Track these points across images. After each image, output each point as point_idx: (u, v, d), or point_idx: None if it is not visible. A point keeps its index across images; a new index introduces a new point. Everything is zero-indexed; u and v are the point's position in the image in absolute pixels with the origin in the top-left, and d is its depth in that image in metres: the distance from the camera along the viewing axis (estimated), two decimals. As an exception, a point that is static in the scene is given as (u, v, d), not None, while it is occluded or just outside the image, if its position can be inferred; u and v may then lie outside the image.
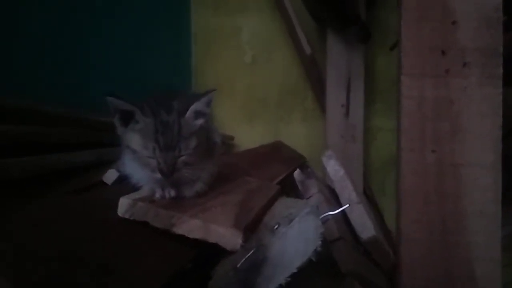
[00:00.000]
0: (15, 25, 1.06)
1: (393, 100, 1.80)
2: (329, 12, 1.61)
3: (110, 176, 0.94)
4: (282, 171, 1.44)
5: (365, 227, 0.67)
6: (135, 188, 0.74)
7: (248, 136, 2.02)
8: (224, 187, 0.84)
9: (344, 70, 1.75)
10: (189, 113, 0.69)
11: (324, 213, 0.62)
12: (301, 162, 1.90)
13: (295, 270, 0.45)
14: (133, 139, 0.68)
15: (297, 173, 0.74)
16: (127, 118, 0.68)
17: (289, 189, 1.19)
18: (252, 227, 0.68)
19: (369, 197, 1.81)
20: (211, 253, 0.67)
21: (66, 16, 1.25)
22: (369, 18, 1.72)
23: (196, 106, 0.70)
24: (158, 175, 0.67)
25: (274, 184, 0.96)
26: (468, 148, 0.75)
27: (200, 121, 0.71)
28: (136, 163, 0.70)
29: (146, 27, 1.72)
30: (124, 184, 0.82)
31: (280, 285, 0.44)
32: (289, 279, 0.44)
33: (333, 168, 0.74)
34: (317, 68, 1.88)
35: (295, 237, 0.54)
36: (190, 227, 0.63)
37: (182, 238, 0.65)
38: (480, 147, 0.75)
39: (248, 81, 2.05)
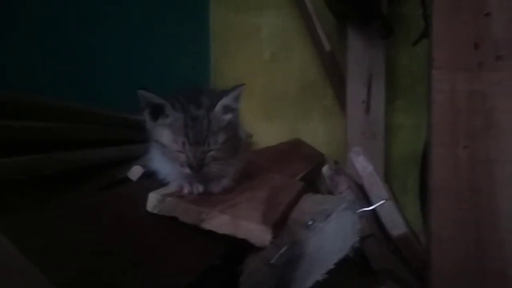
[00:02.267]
0: (41, 25, 1.07)
1: (415, 96, 1.80)
2: (351, 7, 1.59)
3: (135, 172, 0.94)
4: (301, 169, 1.42)
5: (396, 224, 0.66)
6: (162, 184, 0.74)
7: (267, 133, 2.01)
8: (249, 183, 0.83)
9: (365, 66, 1.72)
10: (218, 108, 0.69)
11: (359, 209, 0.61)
12: (320, 160, 1.88)
13: (332, 266, 0.44)
14: (163, 133, 0.68)
15: (325, 169, 0.73)
16: (157, 113, 0.68)
17: (309, 187, 1.18)
18: (280, 223, 0.67)
19: (390, 195, 1.79)
20: (237, 249, 0.67)
21: (87, 15, 1.26)
22: (390, 13, 1.69)
23: (225, 100, 0.69)
24: (187, 170, 0.67)
25: (298, 180, 0.95)
26: (502, 144, 0.73)
27: (228, 116, 0.70)
28: (165, 158, 0.70)
29: (165, 24, 1.73)
30: (150, 180, 0.82)
31: (317, 281, 0.43)
32: (326, 275, 0.43)
33: (362, 164, 0.72)
34: (336, 65, 1.86)
35: (333, 232, 0.53)
36: (219, 222, 0.62)
37: (210, 234, 0.65)
38: (514, 143, 0.72)
39: (266, 78, 2.04)
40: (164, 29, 1.72)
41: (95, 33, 1.30)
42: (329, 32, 1.83)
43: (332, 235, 0.52)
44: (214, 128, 0.67)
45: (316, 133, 1.99)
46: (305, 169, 1.45)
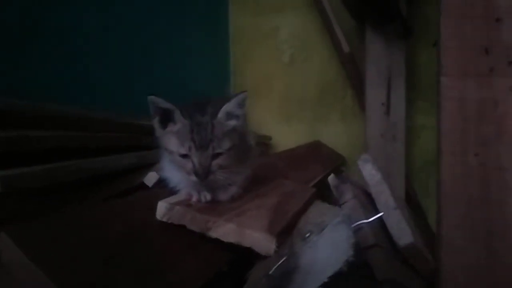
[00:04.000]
0: (59, 35, 1.11)
1: (436, 97, 1.75)
2: (369, 8, 1.58)
3: (151, 178, 0.97)
4: (319, 172, 1.42)
5: (403, 234, 0.65)
6: (173, 192, 0.76)
7: (286, 136, 2.02)
8: (260, 189, 0.85)
9: (384, 67, 1.70)
10: (221, 114, 0.71)
11: (359, 219, 0.62)
12: (340, 163, 1.87)
13: (326, 280, 0.44)
14: (171, 140, 0.70)
15: (331, 178, 0.74)
16: (166, 120, 0.71)
17: (328, 190, 1.18)
18: (286, 232, 0.68)
19: (411, 198, 1.76)
20: (246, 256, 0.68)
21: (106, 20, 1.30)
22: (410, 13, 1.66)
23: (227, 107, 0.72)
24: (194, 178, 0.69)
25: (309, 187, 0.95)
26: (514, 151, 0.71)
27: (232, 122, 0.72)
28: (174, 167, 0.73)
29: (185, 28, 1.76)
30: (165, 187, 0.85)
31: (311, 293, 0.44)
32: (320, 288, 0.44)
33: (370, 172, 0.72)
34: (356, 66, 1.85)
35: (326, 246, 0.53)
36: (225, 231, 0.64)
37: (219, 242, 0.66)
38: (527, 150, 0.70)
39: (286, 80, 2.05)
40: (184, 34, 1.76)
41: (116, 40, 1.34)
42: (348, 33, 1.82)
43: (325, 249, 0.53)
44: (218, 133, 0.69)
45: (336, 134, 1.99)
46: (323, 172, 1.45)
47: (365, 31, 1.72)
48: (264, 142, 1.97)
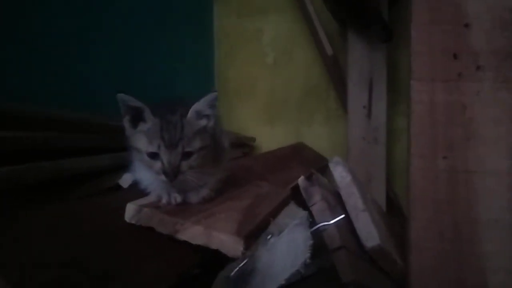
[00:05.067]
0: (31, 31, 1.09)
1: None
2: (349, 12, 1.59)
3: (126, 179, 0.96)
4: (301, 174, 1.43)
5: (370, 236, 0.66)
6: (144, 194, 0.76)
7: (270, 137, 2.03)
8: (233, 192, 0.85)
9: (365, 70, 1.71)
10: (190, 113, 0.71)
11: (326, 221, 0.62)
12: (322, 164, 1.88)
13: (283, 282, 0.45)
14: (140, 139, 0.70)
15: (301, 180, 0.74)
16: (137, 119, 0.70)
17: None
18: (256, 234, 0.68)
19: (393, 201, 1.77)
20: (221, 258, 0.68)
21: (84, 18, 1.28)
22: (392, 16, 1.68)
23: (196, 106, 0.71)
24: (163, 177, 0.68)
25: (284, 189, 0.95)
26: (481, 154, 0.72)
27: (203, 122, 0.72)
28: (144, 168, 0.72)
29: (169, 30, 1.76)
30: (139, 189, 0.84)
31: (269, 296, 0.44)
32: (277, 291, 0.44)
33: (340, 174, 0.73)
34: (339, 69, 1.86)
35: (284, 248, 0.54)
36: (193, 233, 0.64)
37: (188, 244, 0.66)
38: (494, 154, 0.72)
39: (269, 82, 2.06)
40: (169, 36, 1.75)
41: (98, 40, 1.32)
42: (331, 35, 1.84)
43: (283, 251, 0.53)
44: (188, 132, 0.69)
45: (319, 137, 2.00)
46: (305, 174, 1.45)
47: (347, 34, 1.73)
48: (248, 144, 1.98)
